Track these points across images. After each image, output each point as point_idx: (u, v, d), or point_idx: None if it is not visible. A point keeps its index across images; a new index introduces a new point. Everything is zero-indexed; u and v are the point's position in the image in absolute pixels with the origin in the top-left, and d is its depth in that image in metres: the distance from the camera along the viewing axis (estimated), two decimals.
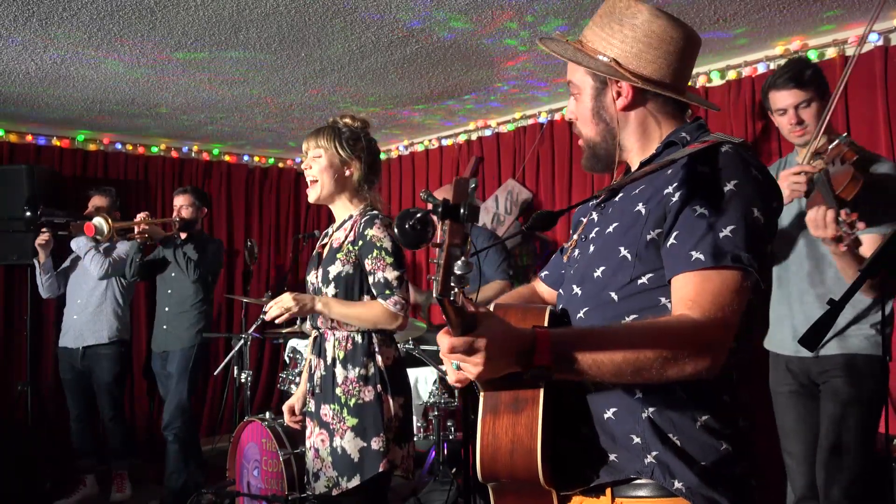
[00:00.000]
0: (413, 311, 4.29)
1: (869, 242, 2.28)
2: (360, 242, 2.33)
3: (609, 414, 1.26)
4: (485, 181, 5.44)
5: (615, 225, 1.32)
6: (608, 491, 1.27)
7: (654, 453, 1.22)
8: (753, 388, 1.36)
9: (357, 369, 2.31)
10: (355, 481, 2.24)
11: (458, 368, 1.15)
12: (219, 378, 5.41)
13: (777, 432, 2.69)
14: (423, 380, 4.18)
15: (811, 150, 2.43)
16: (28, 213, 4.22)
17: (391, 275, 2.29)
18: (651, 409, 1.23)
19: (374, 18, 3.38)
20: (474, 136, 5.56)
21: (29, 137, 5.46)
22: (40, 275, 4.50)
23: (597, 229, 1.37)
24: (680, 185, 1.23)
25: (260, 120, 5.33)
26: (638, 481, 1.24)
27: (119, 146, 5.87)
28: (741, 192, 1.20)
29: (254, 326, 4.05)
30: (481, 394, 1.26)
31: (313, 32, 3.55)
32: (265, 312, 2.40)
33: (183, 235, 4.28)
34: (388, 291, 2.29)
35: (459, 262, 0.95)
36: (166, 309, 4.37)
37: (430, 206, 1.00)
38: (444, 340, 1.10)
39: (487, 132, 5.45)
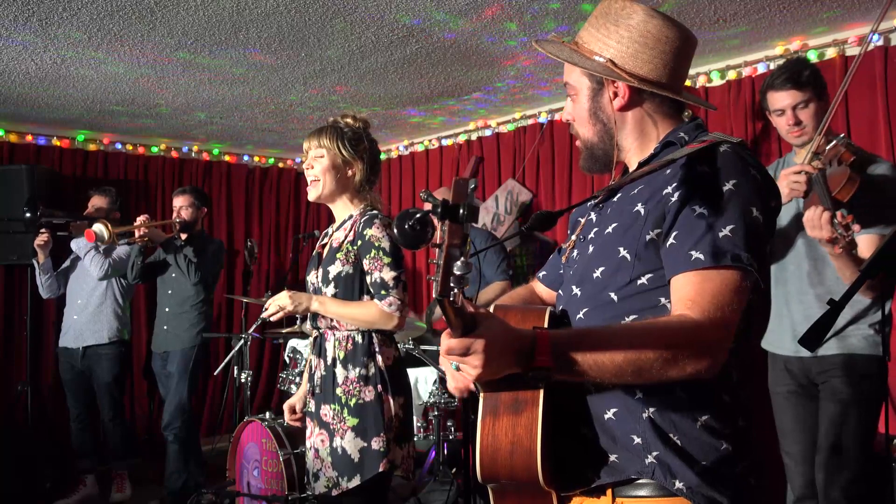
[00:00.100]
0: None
1: (866, 243, 2.28)
2: (360, 242, 2.33)
3: (609, 414, 1.26)
4: (485, 181, 5.44)
5: (614, 225, 1.32)
6: (609, 491, 1.27)
7: (654, 453, 1.23)
8: (752, 388, 1.36)
9: (357, 369, 2.31)
10: (356, 481, 2.24)
11: (458, 369, 1.14)
12: (219, 378, 5.41)
13: (776, 432, 2.70)
14: (423, 380, 4.18)
15: (811, 151, 2.43)
16: (28, 214, 4.22)
17: (388, 275, 2.29)
18: (651, 410, 1.23)
19: (374, 18, 3.38)
20: (474, 136, 5.56)
21: (29, 137, 5.46)
22: (40, 275, 4.50)
23: (595, 230, 1.38)
24: (679, 185, 1.23)
25: (260, 120, 5.33)
26: (639, 481, 1.24)
27: (119, 146, 5.87)
28: (740, 191, 1.20)
29: (254, 326, 4.04)
30: (481, 395, 1.26)
31: (313, 32, 3.55)
32: (267, 318, 2.41)
33: (183, 236, 4.28)
34: (383, 292, 2.29)
35: (459, 263, 0.95)
36: (167, 309, 4.37)
37: (429, 207, 1.00)
38: (444, 342, 1.11)
39: (487, 132, 5.45)
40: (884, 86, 3.44)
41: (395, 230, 0.94)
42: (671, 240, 1.21)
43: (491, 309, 1.35)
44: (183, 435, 4.19)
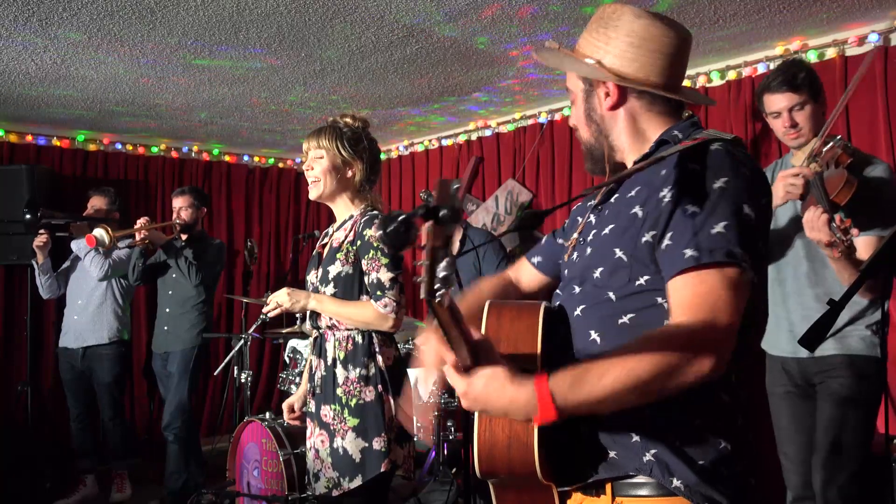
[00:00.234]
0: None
1: (863, 246, 2.28)
2: (359, 242, 2.33)
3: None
4: (485, 181, 5.44)
5: (611, 227, 1.33)
6: (608, 489, 1.27)
7: (652, 451, 1.23)
8: (751, 389, 1.36)
9: (358, 370, 2.31)
10: (357, 481, 2.24)
11: None
12: (219, 378, 5.41)
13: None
14: (423, 380, 4.18)
15: (808, 153, 2.43)
16: (28, 216, 4.21)
17: (385, 276, 2.29)
18: (650, 408, 1.23)
19: (374, 18, 3.38)
20: (474, 136, 5.56)
21: (29, 137, 5.46)
22: (39, 276, 4.50)
23: (594, 231, 1.38)
24: (672, 186, 1.24)
25: (260, 120, 5.33)
26: (638, 480, 1.25)
27: (119, 146, 5.87)
28: (731, 188, 1.20)
29: (254, 326, 4.05)
30: None
31: (313, 32, 3.55)
32: (265, 313, 2.41)
33: (184, 237, 4.28)
34: (379, 292, 2.29)
35: (443, 264, 0.95)
36: (167, 310, 4.37)
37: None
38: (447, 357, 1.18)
39: (487, 132, 5.45)
40: (884, 86, 3.45)
41: (381, 232, 0.95)
42: (666, 241, 1.22)
43: (486, 306, 1.35)
44: (183, 435, 4.19)
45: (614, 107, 1.37)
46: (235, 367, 4.44)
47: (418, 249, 0.96)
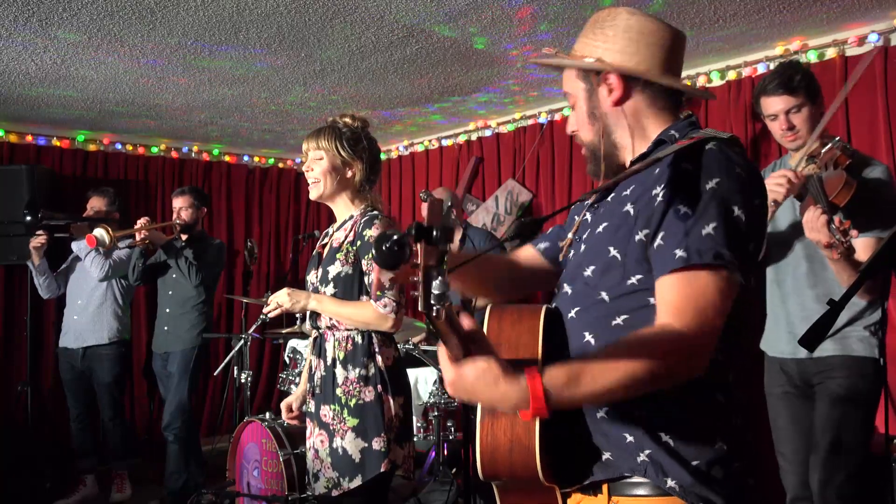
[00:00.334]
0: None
1: (862, 247, 2.28)
2: (359, 242, 2.33)
3: (602, 413, 1.27)
4: (485, 181, 5.44)
5: (605, 225, 1.33)
6: (604, 489, 1.28)
7: (646, 452, 1.23)
8: (750, 390, 1.36)
9: (357, 370, 2.31)
10: (357, 482, 2.24)
11: None
12: (219, 378, 5.41)
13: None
14: (423, 380, 4.18)
15: (806, 154, 2.42)
16: (28, 217, 4.21)
17: (385, 276, 2.29)
18: (643, 409, 1.24)
19: (374, 18, 3.38)
20: (474, 136, 5.56)
21: (29, 137, 5.46)
22: (36, 276, 4.51)
23: (589, 230, 1.39)
24: (666, 185, 1.24)
25: (260, 120, 5.33)
26: (634, 480, 1.25)
27: (119, 146, 5.87)
28: (722, 189, 1.21)
29: (254, 327, 4.05)
30: None
31: (313, 32, 3.55)
32: (266, 314, 2.42)
33: (184, 237, 4.28)
34: (379, 293, 2.29)
35: (437, 282, 0.98)
36: (167, 310, 4.37)
37: (424, 207, 1.01)
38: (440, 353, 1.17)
39: (487, 132, 5.45)
40: (884, 86, 3.45)
41: (374, 252, 0.98)
42: (658, 240, 1.23)
43: (487, 310, 1.36)
44: (183, 435, 4.19)
45: (618, 102, 1.37)
46: (235, 368, 4.44)
47: (413, 268, 0.99)
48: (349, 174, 2.41)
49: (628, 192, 1.32)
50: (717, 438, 1.24)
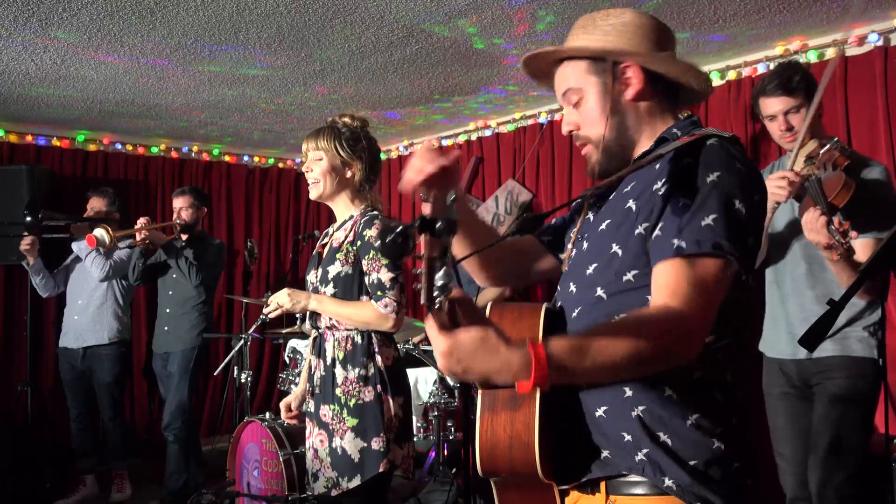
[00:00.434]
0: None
1: (861, 248, 2.28)
2: (359, 243, 2.33)
3: (600, 412, 1.27)
4: (485, 181, 5.44)
5: (607, 222, 1.33)
6: (602, 488, 1.28)
7: (644, 451, 1.23)
8: (749, 390, 1.36)
9: (357, 370, 2.31)
10: (356, 481, 2.25)
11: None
12: (219, 378, 5.41)
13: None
14: (423, 380, 4.18)
15: (805, 154, 2.42)
16: (29, 218, 4.21)
17: (385, 276, 2.29)
18: (641, 408, 1.24)
19: (374, 18, 3.38)
20: (474, 136, 5.56)
21: (29, 137, 5.46)
22: (32, 276, 4.51)
23: (591, 228, 1.39)
24: (667, 179, 1.24)
25: (260, 120, 5.33)
26: (632, 479, 1.25)
27: (119, 146, 5.87)
28: (723, 183, 1.20)
29: (254, 327, 4.05)
30: (479, 391, 1.28)
31: (313, 32, 3.55)
32: (266, 314, 2.42)
33: (184, 237, 4.28)
34: (380, 293, 2.29)
35: (440, 274, 0.98)
36: (167, 310, 4.37)
37: (426, 206, 1.02)
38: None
39: (487, 132, 5.45)
40: (884, 86, 3.44)
41: (379, 243, 0.99)
42: (657, 231, 1.23)
43: (487, 308, 1.36)
44: (183, 435, 4.19)
45: (638, 96, 1.34)
46: (235, 368, 4.44)
47: (417, 259, 0.99)
48: (349, 174, 2.41)
49: (629, 188, 1.32)
50: (715, 438, 1.23)
